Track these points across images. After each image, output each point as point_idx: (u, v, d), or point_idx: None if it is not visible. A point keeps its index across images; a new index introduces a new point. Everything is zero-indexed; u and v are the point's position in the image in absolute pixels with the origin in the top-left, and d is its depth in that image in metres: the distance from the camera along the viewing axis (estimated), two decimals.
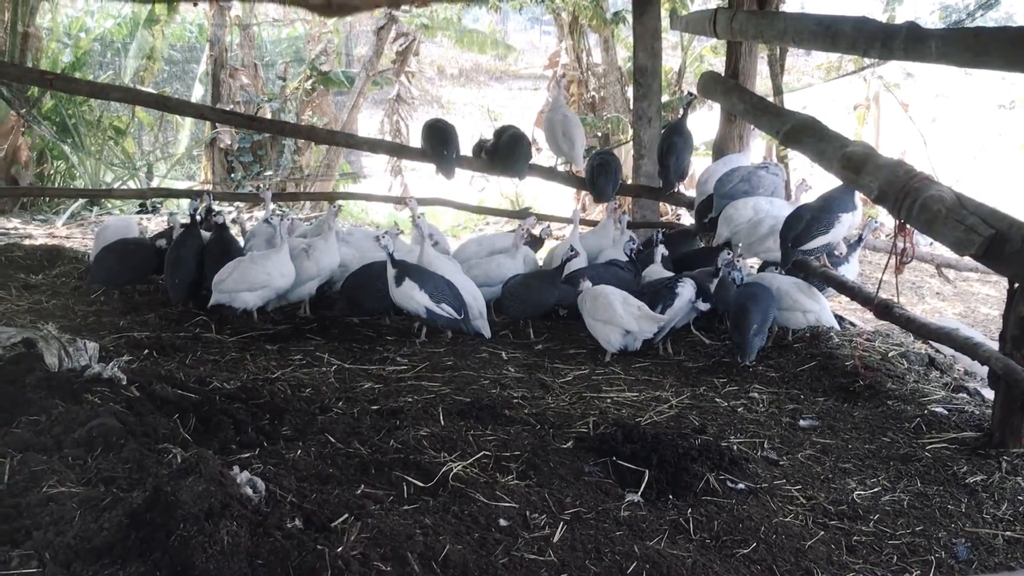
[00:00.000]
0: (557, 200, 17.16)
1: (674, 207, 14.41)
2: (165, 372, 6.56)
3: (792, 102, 13.27)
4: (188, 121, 20.71)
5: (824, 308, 7.97)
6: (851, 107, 18.58)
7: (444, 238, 10.20)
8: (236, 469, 4.53)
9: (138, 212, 16.67)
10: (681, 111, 10.76)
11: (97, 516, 4.10)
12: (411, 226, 9.63)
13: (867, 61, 15.97)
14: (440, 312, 7.96)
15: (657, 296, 7.95)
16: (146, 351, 7.32)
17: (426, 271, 8.12)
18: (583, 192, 16.48)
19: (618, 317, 7.68)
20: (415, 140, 12.62)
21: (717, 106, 11.19)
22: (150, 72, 19.90)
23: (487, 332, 8.33)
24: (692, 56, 19.48)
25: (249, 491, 4.36)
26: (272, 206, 10.44)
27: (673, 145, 10.07)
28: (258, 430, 5.61)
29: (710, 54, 19.59)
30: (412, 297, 7.95)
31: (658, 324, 7.74)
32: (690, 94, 11.00)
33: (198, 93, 20.84)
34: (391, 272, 8.03)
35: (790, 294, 7.91)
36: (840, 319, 8.94)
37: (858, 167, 6.91)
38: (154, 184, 18.10)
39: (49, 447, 4.89)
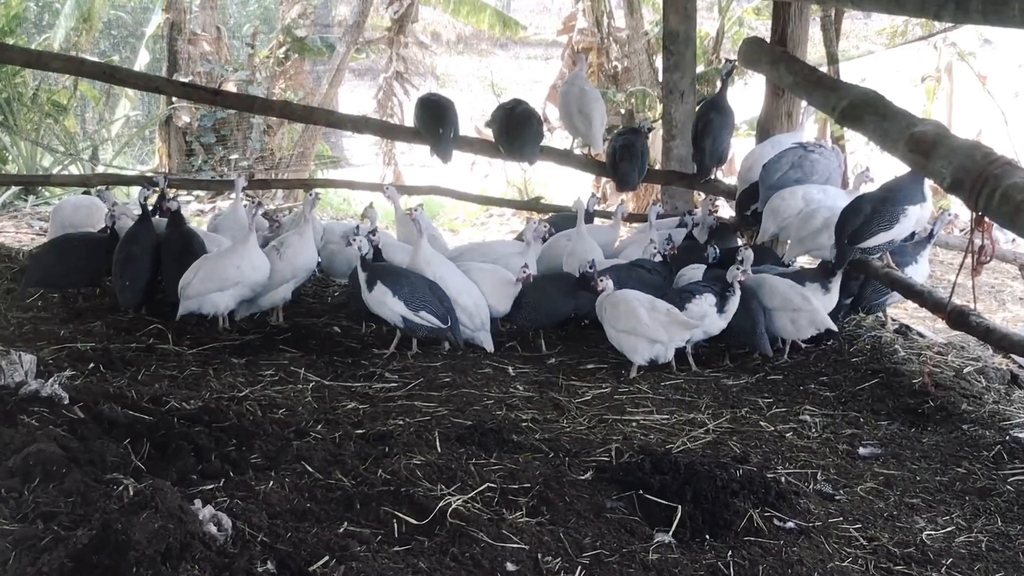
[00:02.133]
0: (572, 188, 17.16)
1: (712, 197, 14.35)
2: (114, 390, 6.55)
3: (849, 73, 13.30)
4: (132, 94, 20.71)
5: (817, 309, 8.07)
6: (918, 79, 18.57)
7: (438, 233, 10.22)
8: (198, 503, 4.54)
9: None
10: (719, 83, 10.77)
11: (35, 558, 4.10)
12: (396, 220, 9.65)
13: (937, 26, 15.98)
14: (418, 321, 7.99)
15: (679, 296, 8.01)
16: (92, 365, 7.32)
17: (404, 273, 8.15)
18: (603, 179, 16.55)
19: (643, 326, 7.69)
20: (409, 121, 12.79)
21: (760, 78, 11.19)
22: (87, 36, 19.90)
23: (489, 345, 8.34)
24: (731, 20, 19.50)
25: (213, 529, 4.36)
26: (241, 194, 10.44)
27: (710, 124, 10.07)
28: (223, 458, 5.61)
29: (752, 17, 19.62)
30: (385, 303, 7.99)
31: (691, 330, 7.77)
32: (729, 61, 11.01)
33: (143, 60, 20.85)
34: (362, 275, 8.08)
35: (779, 291, 8.11)
36: (907, 329, 8.96)
37: (928, 150, 6.90)
38: (99, 170, 18.11)
39: None
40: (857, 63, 18.47)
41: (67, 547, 4.11)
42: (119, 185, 16.24)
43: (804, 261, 9.77)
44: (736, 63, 11.04)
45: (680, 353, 8.00)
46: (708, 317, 7.94)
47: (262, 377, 7.44)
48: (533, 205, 13.73)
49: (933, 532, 5.39)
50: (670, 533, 5.18)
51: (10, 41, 17.54)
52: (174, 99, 18.75)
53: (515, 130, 10.32)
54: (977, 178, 6.23)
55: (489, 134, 10.94)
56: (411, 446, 6.02)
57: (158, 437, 5.70)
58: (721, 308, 7.94)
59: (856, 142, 16.35)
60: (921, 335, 8.96)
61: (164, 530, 4.10)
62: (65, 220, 10.04)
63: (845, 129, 12.01)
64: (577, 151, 11.09)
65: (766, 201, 8.99)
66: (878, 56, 18.81)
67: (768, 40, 10.68)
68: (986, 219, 6.51)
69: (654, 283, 8.51)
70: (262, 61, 20.08)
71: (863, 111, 8.03)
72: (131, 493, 4.73)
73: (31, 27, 21.14)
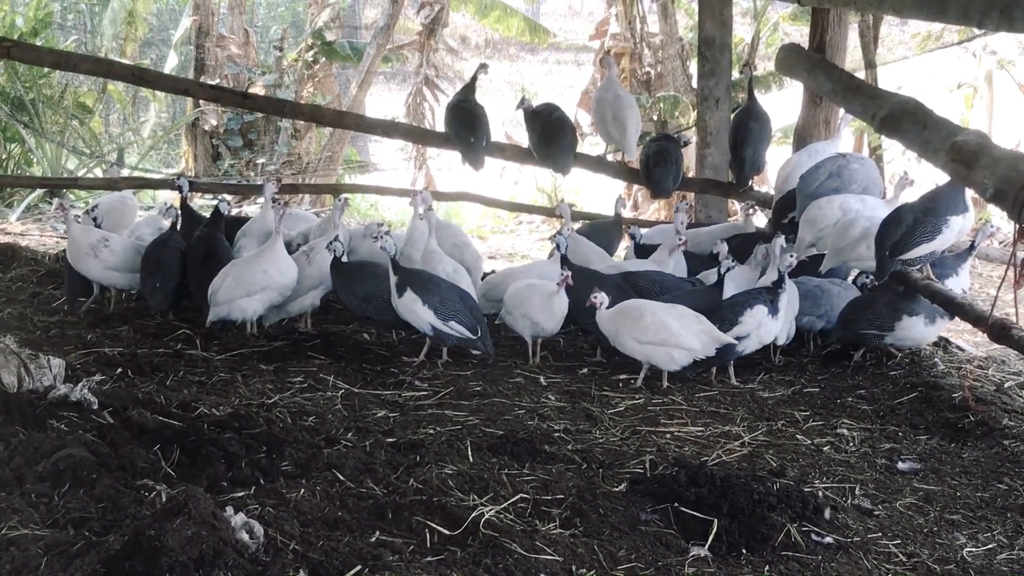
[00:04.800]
0: (604, 195, 17.16)
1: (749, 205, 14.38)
2: (143, 395, 6.63)
3: (885, 79, 13.26)
4: (160, 96, 20.80)
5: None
6: (955, 86, 18.46)
7: (468, 240, 10.17)
8: (230, 510, 4.57)
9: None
10: (747, 90, 10.76)
11: (67, 564, 4.14)
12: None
13: (975, 31, 15.91)
14: (447, 331, 8.02)
15: (731, 310, 7.94)
16: (120, 370, 7.38)
17: (433, 280, 8.18)
18: (635, 186, 16.56)
19: (674, 336, 7.67)
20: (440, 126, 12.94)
21: (795, 85, 11.19)
22: (132, 39, 20.02)
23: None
24: (766, 24, 19.48)
25: (245, 536, 4.39)
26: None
27: (750, 133, 10.06)
28: (254, 465, 5.65)
29: (788, 23, 19.59)
30: (414, 312, 8.02)
31: (719, 343, 7.74)
32: (748, 67, 11.01)
33: (172, 63, 20.98)
34: (392, 279, 8.12)
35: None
36: (946, 342, 8.93)
37: (970, 160, 6.87)
38: (125, 173, 18.20)
39: (8, 481, 4.94)
40: (892, 68, 18.34)
41: (99, 553, 4.15)
42: (145, 188, 16.35)
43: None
44: (754, 70, 11.02)
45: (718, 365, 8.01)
46: (763, 326, 7.93)
47: (291, 384, 7.48)
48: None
49: (974, 549, 5.37)
50: (706, 547, 5.18)
51: (37, 42, 17.65)
52: (201, 102, 18.82)
53: (549, 139, 10.32)
54: (1021, 189, 6.20)
55: (520, 139, 10.97)
56: (443, 455, 6.06)
57: (188, 443, 5.75)
58: (774, 311, 7.94)
59: (893, 151, 16.30)
60: (961, 348, 8.93)
61: (197, 537, 4.13)
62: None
63: (882, 138, 11.98)
64: (610, 158, 11.09)
65: (804, 210, 8.98)
66: (914, 63, 18.67)
67: (806, 47, 10.68)
68: None
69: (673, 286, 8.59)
70: (290, 64, 20.16)
71: (903, 120, 8.00)
72: (163, 499, 4.77)
73: (56, 28, 21.25)
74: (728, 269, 8.33)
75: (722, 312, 7.91)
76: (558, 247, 8.59)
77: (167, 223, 9.31)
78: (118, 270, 9.04)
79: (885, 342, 8.30)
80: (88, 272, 9.06)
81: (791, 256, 8.02)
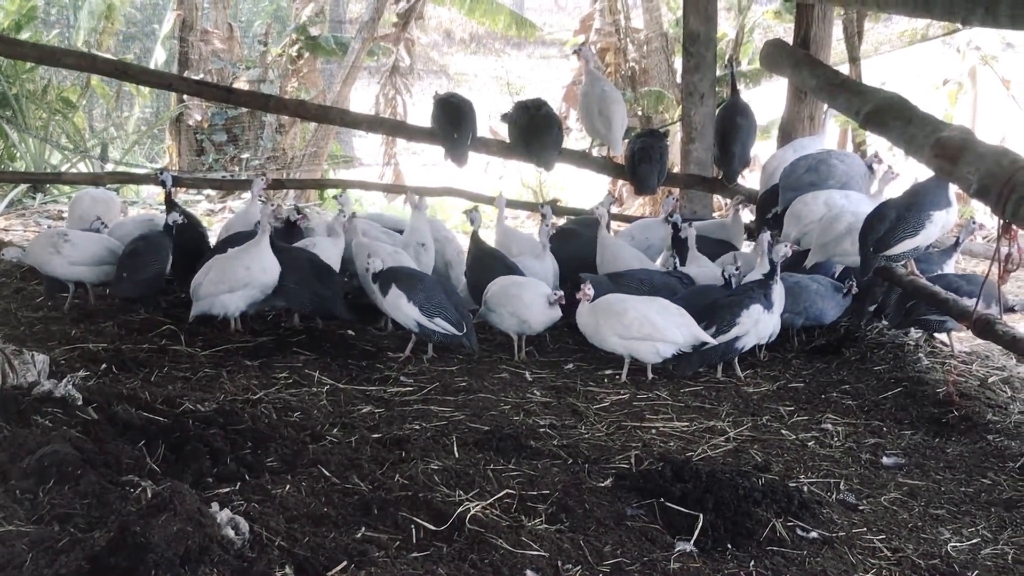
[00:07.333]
0: (589, 190, 17.18)
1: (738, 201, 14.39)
2: (127, 391, 6.58)
3: (868, 74, 13.29)
4: (144, 91, 20.73)
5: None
6: (940, 83, 18.52)
7: (452, 235, 10.16)
8: (215, 506, 4.56)
9: None
10: (729, 85, 10.76)
11: (52, 560, 4.13)
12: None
13: (957, 27, 15.95)
14: (433, 327, 8.03)
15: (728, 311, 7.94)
16: (104, 366, 7.35)
17: (418, 276, 8.22)
18: (620, 182, 16.56)
19: (659, 331, 7.68)
20: (414, 119, 12.80)
21: (779, 80, 11.22)
22: (108, 34, 19.95)
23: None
24: (749, 21, 19.51)
25: (231, 533, 4.39)
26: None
27: (738, 129, 10.08)
28: (239, 461, 5.62)
29: (771, 18, 19.62)
30: (399, 308, 8.05)
31: (701, 339, 7.75)
32: (731, 61, 11.04)
33: (159, 58, 20.92)
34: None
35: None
36: (930, 337, 8.95)
37: (955, 156, 6.91)
38: (109, 168, 18.13)
39: None
40: (876, 64, 18.38)
41: (84, 549, 4.14)
42: (130, 183, 16.32)
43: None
44: (738, 65, 11.07)
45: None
46: (760, 322, 7.92)
47: (276, 379, 7.46)
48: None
49: (958, 544, 5.39)
50: (691, 542, 5.18)
51: (22, 37, 17.58)
52: (185, 97, 18.78)
53: (534, 135, 10.30)
54: (1004, 184, 6.24)
55: (505, 133, 10.97)
56: (428, 451, 6.05)
57: (173, 439, 5.72)
58: (769, 306, 7.93)
59: (877, 147, 16.31)
60: (945, 344, 8.94)
61: (183, 533, 4.12)
62: (84, 213, 10.10)
63: (867, 134, 12.01)
64: (595, 153, 11.08)
65: (786, 204, 9.00)
66: (898, 59, 18.74)
67: (790, 42, 10.69)
68: (1013, 226, 6.51)
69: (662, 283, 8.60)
70: (274, 59, 20.11)
71: (887, 116, 8.04)
72: (149, 495, 4.75)
73: (38, 23, 21.15)
74: (731, 276, 8.36)
75: (720, 314, 7.89)
76: (472, 222, 9.09)
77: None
78: (84, 264, 8.98)
79: (947, 327, 8.36)
80: (55, 271, 9.00)
81: (784, 246, 8.03)
